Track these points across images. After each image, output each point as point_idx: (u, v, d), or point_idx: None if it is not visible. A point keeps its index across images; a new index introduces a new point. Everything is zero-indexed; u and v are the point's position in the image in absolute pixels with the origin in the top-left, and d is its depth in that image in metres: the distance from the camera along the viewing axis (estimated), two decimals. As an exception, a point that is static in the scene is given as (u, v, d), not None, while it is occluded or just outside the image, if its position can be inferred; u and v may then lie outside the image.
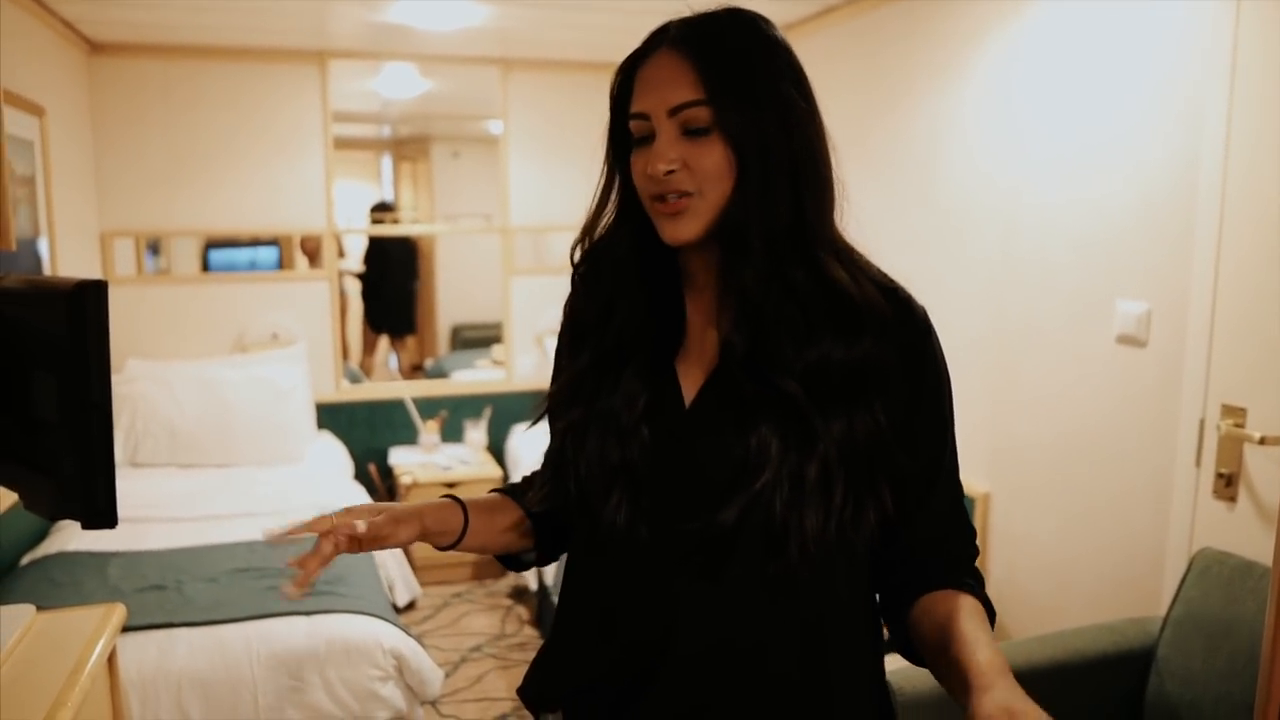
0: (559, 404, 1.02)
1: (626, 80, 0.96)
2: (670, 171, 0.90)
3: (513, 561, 1.16)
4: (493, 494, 1.15)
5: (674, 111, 0.90)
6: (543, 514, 1.11)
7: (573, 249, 1.05)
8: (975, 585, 0.98)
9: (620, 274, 1.00)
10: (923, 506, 0.97)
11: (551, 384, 1.09)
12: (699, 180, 0.90)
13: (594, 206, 1.02)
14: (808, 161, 0.93)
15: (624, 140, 0.97)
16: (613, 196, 1.01)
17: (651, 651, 0.94)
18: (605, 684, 0.99)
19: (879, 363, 0.92)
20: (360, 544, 0.95)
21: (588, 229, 1.03)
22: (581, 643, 1.02)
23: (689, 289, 1.01)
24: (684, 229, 0.92)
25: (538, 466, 1.14)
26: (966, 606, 0.93)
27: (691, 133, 0.90)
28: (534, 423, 1.09)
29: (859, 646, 1.00)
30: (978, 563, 1.02)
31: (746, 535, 0.90)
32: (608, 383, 0.98)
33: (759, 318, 0.92)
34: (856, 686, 1.00)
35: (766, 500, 0.89)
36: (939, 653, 0.92)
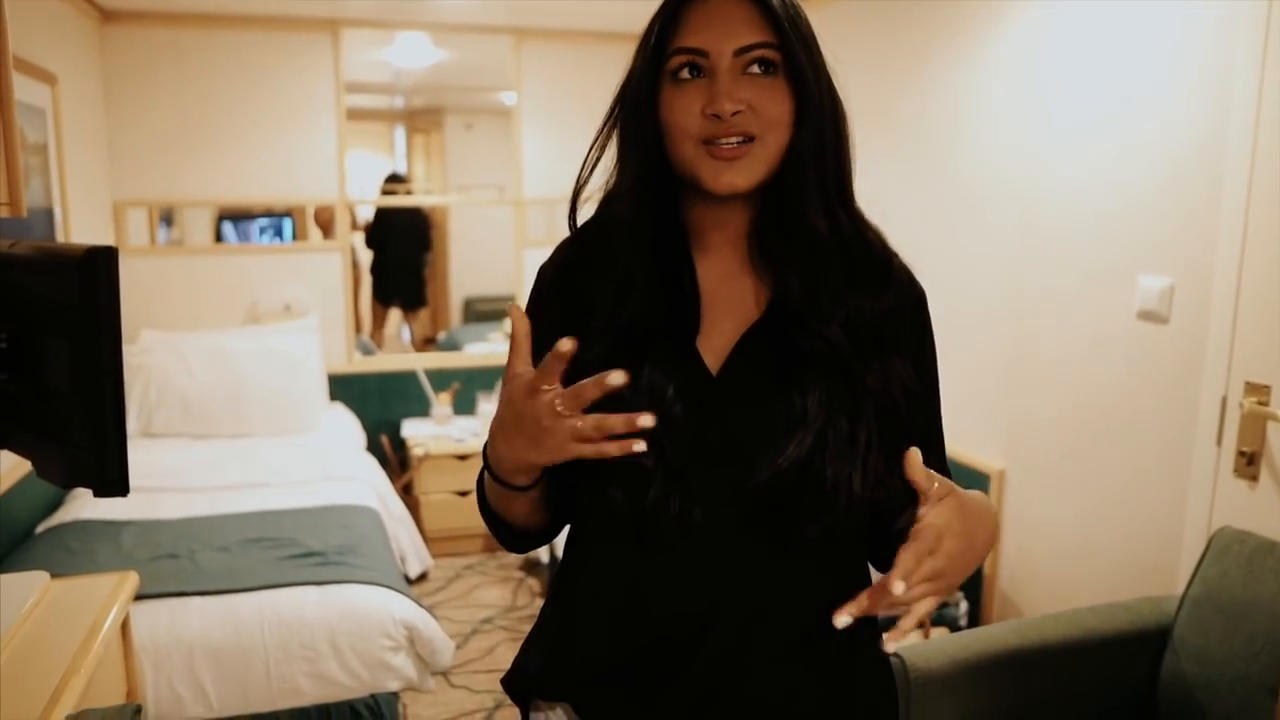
0: None
1: (672, 17, 0.92)
2: (737, 112, 0.88)
3: (513, 536, 1.04)
4: None
5: (742, 51, 0.89)
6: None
7: (572, 210, 1.01)
8: None
9: (636, 243, 0.95)
10: (927, 457, 0.98)
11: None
12: (763, 124, 0.89)
13: (596, 157, 0.97)
14: (840, 112, 0.94)
15: (650, 85, 0.92)
16: (627, 149, 0.95)
17: (692, 626, 0.92)
18: (635, 665, 0.96)
19: (900, 317, 0.96)
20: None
21: (585, 182, 0.99)
22: (603, 627, 0.98)
23: (699, 250, 0.99)
24: (742, 176, 0.90)
25: None
26: None
27: (757, 75, 0.89)
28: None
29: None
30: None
31: (800, 493, 0.89)
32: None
33: (821, 263, 0.92)
34: (873, 639, 1.01)
35: (819, 457, 0.88)
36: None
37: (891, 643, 0.76)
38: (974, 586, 2.78)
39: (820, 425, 0.88)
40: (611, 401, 0.88)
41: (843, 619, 0.75)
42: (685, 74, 0.90)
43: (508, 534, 1.02)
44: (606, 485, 0.91)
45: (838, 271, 0.93)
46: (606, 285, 0.95)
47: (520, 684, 1.06)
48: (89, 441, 1.21)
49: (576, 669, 1.00)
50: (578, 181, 0.99)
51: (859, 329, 0.92)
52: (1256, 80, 1.91)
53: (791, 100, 0.90)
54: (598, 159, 0.98)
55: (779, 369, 0.91)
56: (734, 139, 0.89)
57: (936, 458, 1.03)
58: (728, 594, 0.92)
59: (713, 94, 0.88)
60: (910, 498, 0.95)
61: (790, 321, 0.92)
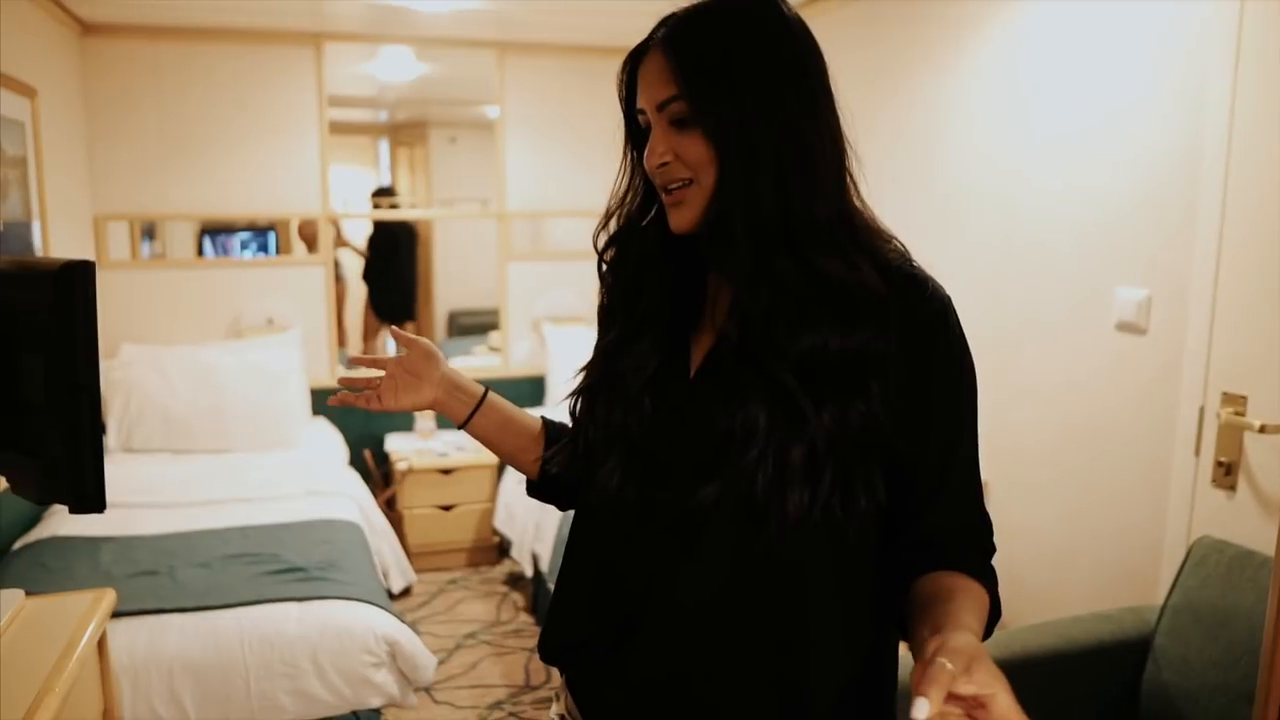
0: (583, 373, 1.09)
1: (631, 76, 1.00)
2: (664, 164, 0.95)
3: (532, 485, 1.23)
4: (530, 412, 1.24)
5: (660, 107, 0.94)
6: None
7: (595, 235, 1.08)
8: (985, 575, 0.95)
9: (646, 255, 1.03)
10: (937, 493, 0.96)
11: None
12: (692, 169, 0.94)
13: (615, 192, 1.06)
14: (795, 151, 0.91)
15: (639, 130, 1.01)
16: (636, 183, 1.04)
17: (634, 612, 0.98)
18: (596, 641, 1.03)
19: (878, 351, 0.91)
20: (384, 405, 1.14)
21: (608, 215, 1.07)
22: (577, 600, 1.06)
23: (712, 266, 1.04)
24: (683, 218, 0.96)
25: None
26: (968, 588, 0.92)
27: (677, 126, 0.94)
28: (571, 395, 1.15)
29: (854, 633, 0.97)
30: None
31: (727, 510, 0.92)
32: (625, 352, 1.03)
33: (747, 309, 0.93)
34: (840, 673, 0.97)
35: (749, 477, 0.90)
36: (919, 617, 0.89)
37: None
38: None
39: (759, 444, 0.89)
40: (602, 380, 1.04)
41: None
42: (645, 130, 0.98)
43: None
44: (595, 448, 1.03)
45: (788, 309, 0.91)
46: (625, 295, 1.07)
47: (541, 645, 1.14)
48: (65, 457, 1.20)
49: (557, 636, 1.08)
50: (605, 212, 1.07)
51: (818, 365, 0.90)
52: (1229, 95, 1.93)
53: (708, 145, 0.92)
54: (622, 191, 1.05)
55: (736, 386, 0.93)
56: (674, 185, 0.95)
57: (960, 484, 0.97)
58: (661, 589, 0.97)
59: (648, 149, 0.96)
60: (901, 528, 0.96)
61: (741, 355, 0.94)
